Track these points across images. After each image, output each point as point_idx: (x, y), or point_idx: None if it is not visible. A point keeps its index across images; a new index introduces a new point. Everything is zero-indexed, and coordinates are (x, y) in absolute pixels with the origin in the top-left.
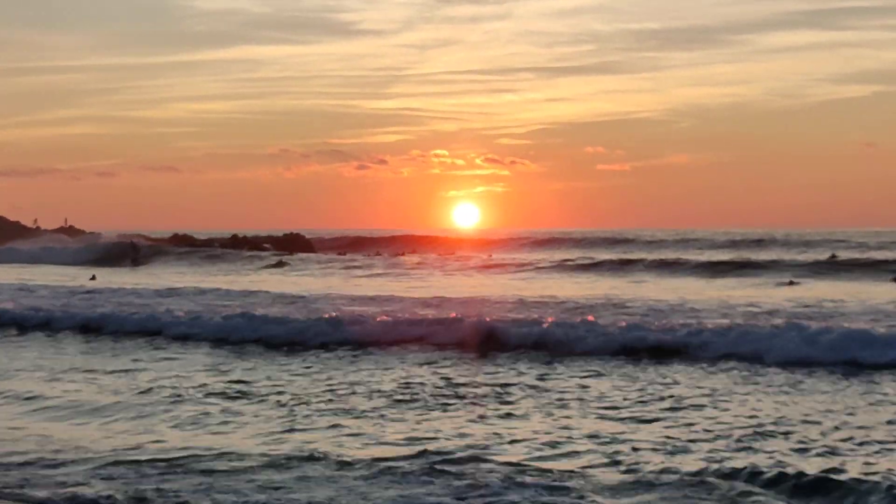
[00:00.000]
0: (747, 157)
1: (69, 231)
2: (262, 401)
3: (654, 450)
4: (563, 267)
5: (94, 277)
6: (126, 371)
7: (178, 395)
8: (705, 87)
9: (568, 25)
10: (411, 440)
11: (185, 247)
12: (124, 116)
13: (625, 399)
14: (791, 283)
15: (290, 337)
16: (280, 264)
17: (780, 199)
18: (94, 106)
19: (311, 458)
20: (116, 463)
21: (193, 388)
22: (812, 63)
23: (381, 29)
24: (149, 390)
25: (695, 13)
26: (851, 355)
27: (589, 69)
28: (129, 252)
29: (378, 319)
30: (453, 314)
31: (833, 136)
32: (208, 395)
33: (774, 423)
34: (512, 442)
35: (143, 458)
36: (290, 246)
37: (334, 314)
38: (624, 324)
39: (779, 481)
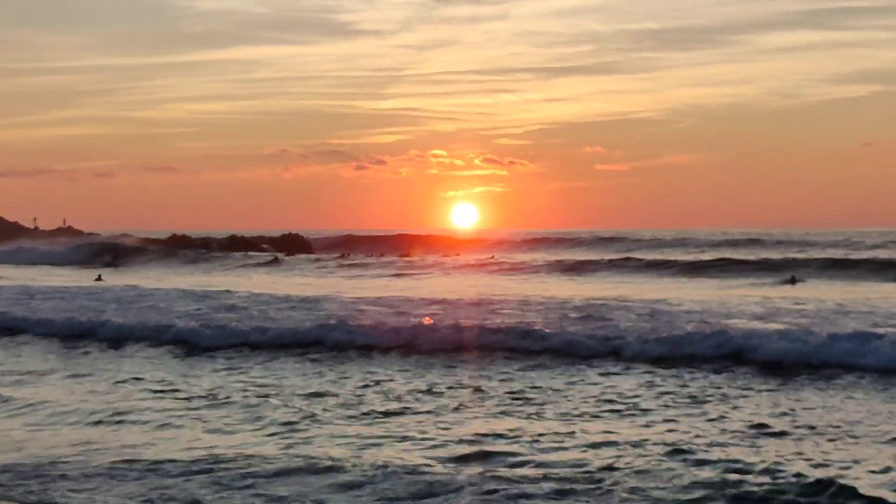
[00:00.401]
0: (746, 156)
1: (67, 231)
2: (277, 403)
3: (671, 452)
4: (565, 268)
5: (99, 278)
6: (139, 375)
7: (197, 399)
8: (704, 87)
9: (566, 26)
10: (432, 440)
11: (178, 247)
12: (122, 117)
13: (651, 399)
14: (793, 279)
15: (299, 340)
16: (275, 261)
17: (779, 199)
18: (92, 106)
19: (331, 461)
20: (132, 463)
21: (208, 390)
22: (811, 63)
23: (380, 29)
24: (172, 392)
25: (693, 13)
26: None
27: (587, 69)
28: (109, 253)
29: (408, 323)
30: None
31: (832, 135)
32: (226, 397)
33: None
34: (532, 442)
35: (162, 459)
36: (288, 246)
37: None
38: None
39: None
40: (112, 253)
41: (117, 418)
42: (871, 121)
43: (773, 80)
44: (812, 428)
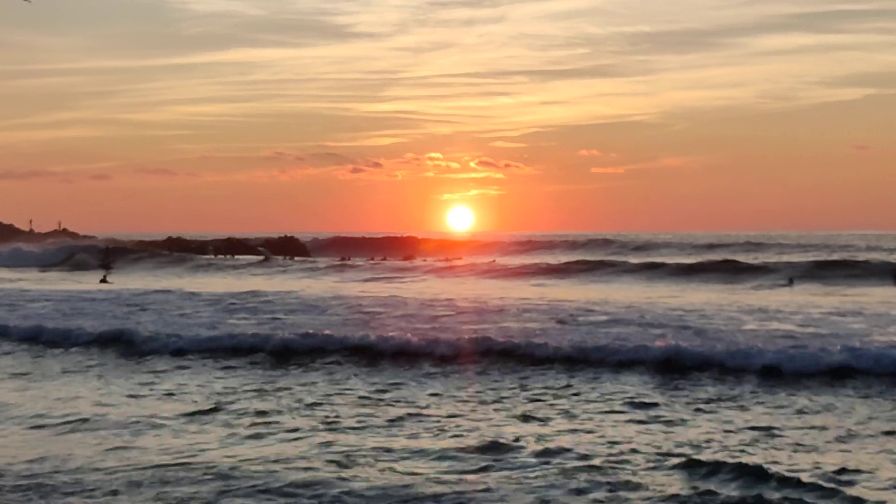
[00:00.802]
0: (741, 159)
1: (63, 234)
2: (288, 409)
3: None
4: (564, 272)
5: (105, 279)
6: (153, 382)
7: (209, 404)
8: (699, 89)
9: (562, 28)
10: (447, 445)
11: (173, 250)
12: (119, 119)
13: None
14: (790, 281)
15: (304, 345)
16: (266, 260)
17: (774, 202)
18: (88, 108)
19: (345, 468)
20: (146, 469)
21: (219, 396)
22: (804, 66)
23: (376, 32)
24: (183, 398)
25: (688, 16)
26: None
27: (583, 72)
28: (98, 257)
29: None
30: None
31: (826, 138)
32: (235, 399)
33: None
34: (545, 444)
35: (176, 464)
36: (284, 249)
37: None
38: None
39: None
40: (101, 255)
41: (132, 424)
42: (864, 123)
43: (767, 83)
44: (823, 429)
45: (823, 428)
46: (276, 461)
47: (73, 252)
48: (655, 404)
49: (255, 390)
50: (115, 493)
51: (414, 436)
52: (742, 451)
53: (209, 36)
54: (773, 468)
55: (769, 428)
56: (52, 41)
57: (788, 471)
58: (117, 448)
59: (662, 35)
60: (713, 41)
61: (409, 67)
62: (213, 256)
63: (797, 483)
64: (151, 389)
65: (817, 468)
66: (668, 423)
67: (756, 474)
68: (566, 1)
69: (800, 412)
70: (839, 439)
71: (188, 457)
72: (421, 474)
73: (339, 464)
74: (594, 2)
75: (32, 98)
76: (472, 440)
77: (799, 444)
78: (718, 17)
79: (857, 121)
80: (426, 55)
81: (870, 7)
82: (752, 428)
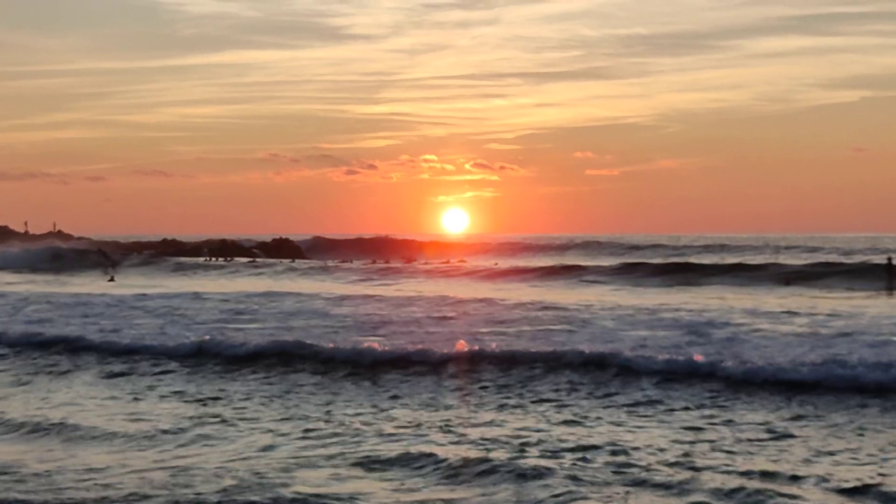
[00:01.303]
0: (736, 161)
1: (58, 236)
2: (304, 417)
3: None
4: (566, 273)
5: (112, 279)
6: (178, 389)
7: (229, 413)
8: (694, 92)
9: (557, 31)
10: (457, 447)
11: (168, 252)
12: (115, 120)
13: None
14: (788, 282)
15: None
16: (255, 261)
17: (770, 204)
18: (84, 110)
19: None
20: (163, 472)
21: (235, 401)
22: (801, 68)
23: (372, 34)
24: (198, 404)
25: (683, 18)
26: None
27: (577, 74)
28: (101, 261)
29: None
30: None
31: (823, 140)
32: (248, 398)
33: None
34: (550, 445)
35: (192, 467)
36: (279, 251)
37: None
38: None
39: None
40: (102, 256)
41: (140, 429)
42: (861, 126)
43: (763, 85)
44: (833, 429)
45: (827, 431)
46: (287, 467)
47: (61, 254)
48: (668, 409)
49: (265, 396)
50: (117, 498)
51: (426, 441)
52: (750, 454)
53: (204, 37)
54: (786, 471)
55: (786, 434)
56: (49, 42)
57: (800, 474)
58: (124, 452)
59: (657, 37)
60: (709, 43)
61: (404, 69)
62: (207, 259)
63: (807, 485)
64: (157, 393)
65: (831, 474)
66: (677, 427)
67: (765, 477)
68: (560, 3)
69: (816, 421)
70: (840, 441)
71: (208, 466)
72: (432, 478)
73: (350, 470)
74: (588, 4)
75: (29, 99)
76: (482, 444)
77: (815, 451)
78: (714, 19)
79: (854, 123)
80: (421, 57)
81: (867, 9)
82: (765, 432)
